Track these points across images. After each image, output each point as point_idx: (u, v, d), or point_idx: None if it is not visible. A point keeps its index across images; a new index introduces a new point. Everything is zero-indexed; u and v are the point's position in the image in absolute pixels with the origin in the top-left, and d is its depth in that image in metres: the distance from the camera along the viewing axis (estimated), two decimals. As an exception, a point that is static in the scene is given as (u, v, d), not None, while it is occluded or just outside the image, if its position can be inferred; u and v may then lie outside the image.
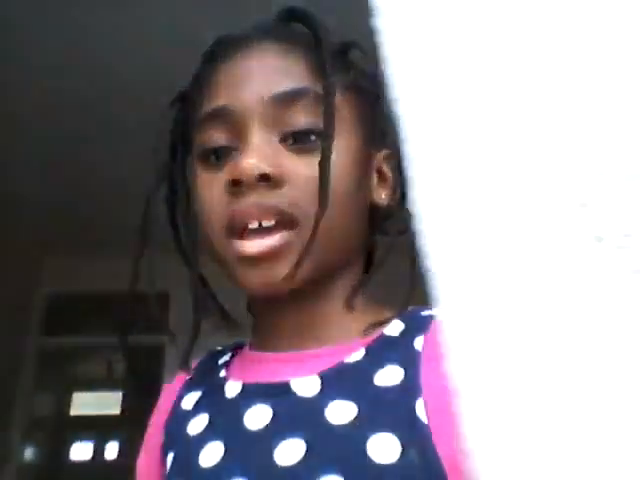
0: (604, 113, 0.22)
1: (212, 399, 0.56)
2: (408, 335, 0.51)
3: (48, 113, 2.56)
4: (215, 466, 0.50)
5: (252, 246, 0.50)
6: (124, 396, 4.73)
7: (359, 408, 0.47)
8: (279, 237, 0.50)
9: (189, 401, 0.57)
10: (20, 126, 2.61)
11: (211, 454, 0.50)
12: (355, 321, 0.54)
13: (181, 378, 0.62)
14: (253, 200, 0.50)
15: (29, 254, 3.60)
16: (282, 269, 0.50)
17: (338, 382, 0.50)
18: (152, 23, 2.11)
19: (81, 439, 5.07)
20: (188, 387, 0.59)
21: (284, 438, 0.48)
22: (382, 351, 0.51)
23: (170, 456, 0.54)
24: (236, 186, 0.50)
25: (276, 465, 0.47)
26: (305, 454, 0.46)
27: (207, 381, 0.58)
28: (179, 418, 0.57)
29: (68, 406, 4.99)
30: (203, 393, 0.57)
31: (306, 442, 0.47)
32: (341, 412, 0.47)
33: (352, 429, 0.46)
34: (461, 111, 0.24)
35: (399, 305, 0.54)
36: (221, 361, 0.61)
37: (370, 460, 0.44)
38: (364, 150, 0.55)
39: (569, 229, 0.21)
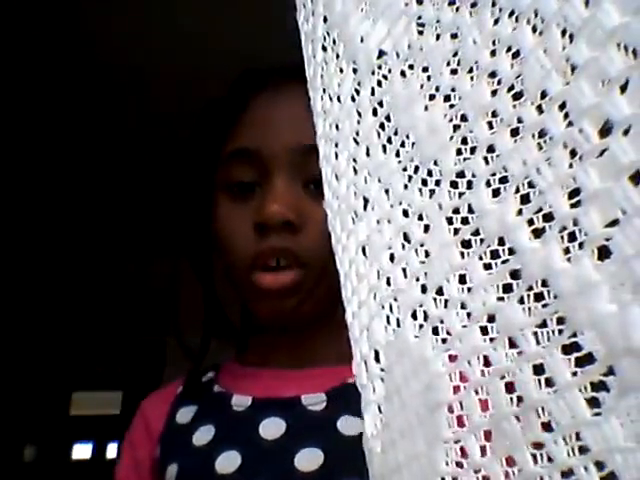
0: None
1: (215, 412, 0.59)
2: None
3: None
4: (235, 472, 0.53)
5: (269, 280, 0.55)
6: (124, 396, 4.81)
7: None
8: (292, 275, 0.55)
9: (185, 415, 0.61)
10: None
11: (228, 462, 0.53)
12: (349, 346, 0.58)
13: (164, 395, 0.66)
14: (275, 243, 0.55)
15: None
16: (293, 304, 0.56)
17: (342, 399, 0.55)
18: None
19: (81, 439, 5.14)
20: (180, 403, 0.63)
21: (302, 447, 0.52)
22: None
23: (172, 467, 0.57)
24: (262, 229, 0.56)
25: (298, 470, 0.51)
26: (324, 462, 0.51)
27: (201, 396, 0.62)
28: (177, 432, 0.60)
29: (68, 406, 5.07)
30: (200, 407, 0.61)
31: (323, 451, 0.51)
32: (351, 425, 0.52)
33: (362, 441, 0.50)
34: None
35: None
36: (205, 378, 0.65)
37: None
38: None
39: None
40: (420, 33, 0.23)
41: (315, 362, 0.59)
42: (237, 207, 0.58)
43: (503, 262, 0.18)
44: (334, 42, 0.31)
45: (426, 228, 0.21)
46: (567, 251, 0.19)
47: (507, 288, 0.18)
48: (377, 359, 0.24)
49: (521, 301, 0.17)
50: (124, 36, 2.02)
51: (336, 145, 0.30)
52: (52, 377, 4.52)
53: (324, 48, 0.33)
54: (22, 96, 2.28)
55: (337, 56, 0.30)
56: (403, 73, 0.23)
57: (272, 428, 0.54)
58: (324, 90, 0.32)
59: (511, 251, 0.18)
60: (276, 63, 0.62)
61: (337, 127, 0.30)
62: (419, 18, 0.23)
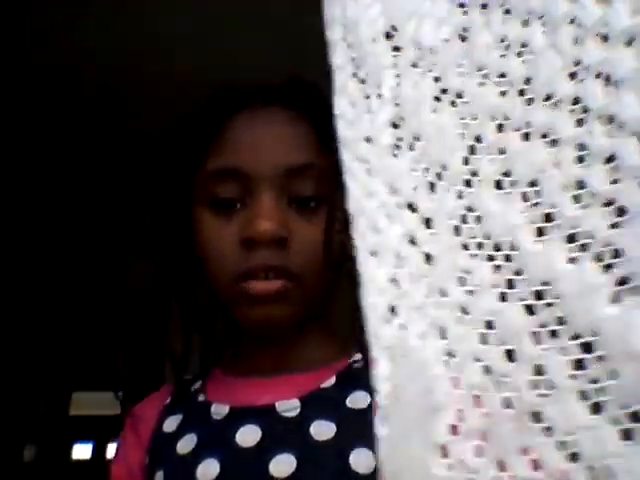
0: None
1: (197, 421, 0.60)
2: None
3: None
4: (215, 479, 0.54)
5: (260, 286, 0.56)
6: (124, 396, 4.79)
7: (338, 427, 0.54)
8: (282, 283, 0.56)
9: (171, 424, 0.62)
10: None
11: (208, 470, 0.55)
12: (326, 352, 0.61)
13: (154, 402, 0.67)
14: (263, 259, 0.56)
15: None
16: (282, 311, 0.57)
17: (316, 404, 0.57)
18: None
19: (81, 439, 5.16)
20: (168, 412, 0.64)
21: (276, 454, 0.53)
22: (350, 379, 0.58)
23: (159, 474, 0.59)
24: (250, 244, 0.56)
25: (273, 476, 0.52)
26: (297, 467, 0.52)
27: (186, 405, 0.63)
28: (164, 440, 0.61)
29: (68, 406, 5.08)
30: (185, 416, 0.62)
31: (296, 457, 0.53)
32: (323, 430, 0.54)
33: (335, 445, 0.53)
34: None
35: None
36: (194, 387, 0.66)
37: (353, 471, 0.51)
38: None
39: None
40: (431, 34, 0.23)
41: (295, 368, 0.60)
42: (221, 222, 0.59)
43: (504, 264, 0.18)
44: (349, 45, 0.31)
45: (432, 230, 0.21)
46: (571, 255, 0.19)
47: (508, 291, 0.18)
48: (385, 362, 0.24)
49: (523, 304, 0.17)
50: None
51: (350, 147, 0.30)
52: (52, 377, 4.55)
53: (342, 51, 0.33)
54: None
55: (352, 58, 0.30)
56: (412, 73, 0.23)
57: (248, 436, 0.56)
58: (342, 93, 0.33)
59: (509, 257, 0.18)
60: (253, 83, 0.64)
61: (352, 129, 0.30)
62: (429, 19, 0.23)
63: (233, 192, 0.59)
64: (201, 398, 0.63)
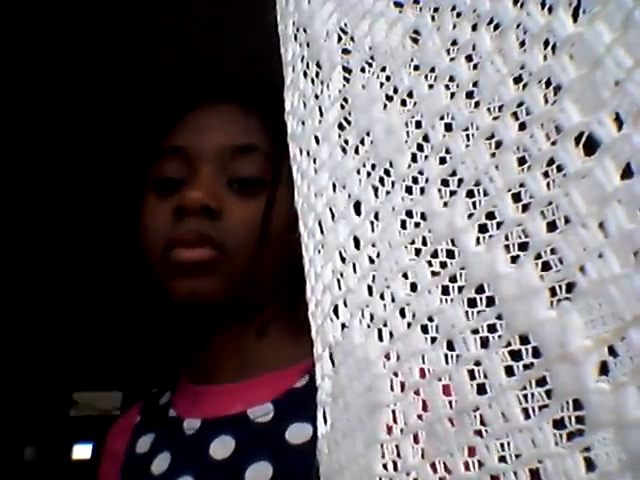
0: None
1: (170, 438, 0.59)
2: None
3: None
4: None
5: (185, 254, 0.56)
6: (124, 396, 4.79)
7: (314, 428, 0.53)
8: (208, 253, 0.56)
9: (144, 444, 0.61)
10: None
11: None
12: (296, 349, 0.57)
13: (125, 424, 0.67)
14: (192, 226, 0.57)
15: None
16: (208, 284, 0.56)
17: (290, 406, 0.55)
18: None
19: (81, 439, 5.11)
20: (139, 431, 0.63)
21: (251, 463, 0.52)
22: None
23: None
24: (180, 213, 0.57)
25: None
26: (273, 474, 0.51)
27: (158, 423, 0.63)
28: (137, 462, 0.60)
29: (68, 406, 5.03)
30: (157, 434, 0.61)
31: (272, 464, 0.52)
32: (299, 433, 0.52)
33: (312, 447, 0.52)
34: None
35: None
36: (162, 401, 0.65)
37: None
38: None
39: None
40: (383, 34, 0.23)
41: (263, 369, 0.59)
42: (161, 201, 0.60)
43: (447, 265, 0.18)
44: (301, 42, 0.31)
45: (377, 229, 0.21)
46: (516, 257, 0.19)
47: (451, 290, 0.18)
48: (331, 359, 0.24)
49: (464, 305, 0.17)
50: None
51: (300, 144, 0.30)
52: (52, 377, 4.47)
53: (294, 47, 0.32)
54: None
55: (303, 55, 0.30)
56: (363, 71, 0.23)
57: (221, 447, 0.55)
58: (294, 89, 0.32)
59: (451, 257, 0.18)
60: (217, 81, 0.67)
61: (302, 126, 0.30)
62: (382, 19, 0.23)
63: (175, 172, 0.60)
64: (172, 413, 0.62)
